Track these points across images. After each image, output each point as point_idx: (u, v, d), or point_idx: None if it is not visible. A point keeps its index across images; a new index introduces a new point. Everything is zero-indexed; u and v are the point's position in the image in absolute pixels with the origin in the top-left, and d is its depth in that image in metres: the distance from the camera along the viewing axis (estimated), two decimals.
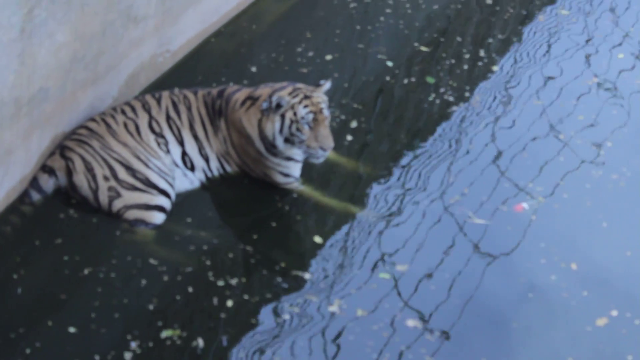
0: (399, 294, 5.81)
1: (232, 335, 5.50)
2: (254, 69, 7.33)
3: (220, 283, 5.74)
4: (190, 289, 5.70)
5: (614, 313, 5.87)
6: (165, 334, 5.43)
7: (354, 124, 7.00)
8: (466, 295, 5.87)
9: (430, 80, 7.57)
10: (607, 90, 7.73)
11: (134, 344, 5.34)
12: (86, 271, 5.68)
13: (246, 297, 5.68)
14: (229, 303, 5.64)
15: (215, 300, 5.64)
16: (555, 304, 5.90)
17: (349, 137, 6.88)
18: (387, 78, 7.54)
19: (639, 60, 8.15)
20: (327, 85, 6.29)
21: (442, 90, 7.46)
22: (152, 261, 5.81)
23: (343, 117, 7.02)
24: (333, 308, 5.68)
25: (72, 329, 5.36)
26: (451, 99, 7.40)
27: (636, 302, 5.97)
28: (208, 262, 5.85)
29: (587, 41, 8.32)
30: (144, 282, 5.69)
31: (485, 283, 5.96)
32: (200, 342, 5.42)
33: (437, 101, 7.36)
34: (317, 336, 5.54)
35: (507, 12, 8.52)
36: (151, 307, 5.56)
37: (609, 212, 6.56)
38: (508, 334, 5.71)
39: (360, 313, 5.68)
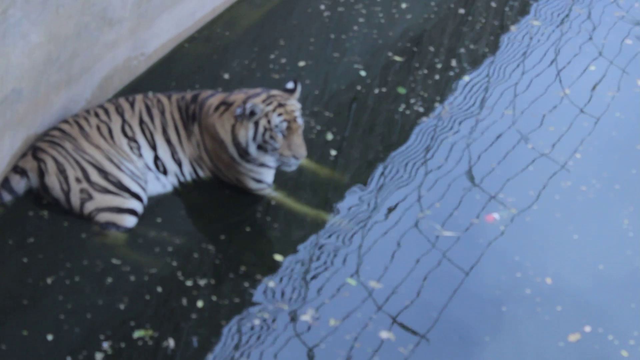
0: (373, 304, 5.82)
1: (202, 336, 5.49)
2: (226, 76, 7.31)
3: (190, 283, 5.74)
4: (160, 290, 5.69)
5: (587, 329, 5.88)
6: (137, 334, 5.42)
7: (325, 132, 7.00)
8: (440, 307, 5.87)
9: (402, 90, 7.58)
10: (577, 102, 7.79)
11: (106, 344, 5.33)
12: (56, 273, 5.65)
13: (214, 298, 5.67)
14: (200, 304, 5.63)
15: (185, 301, 5.63)
16: (529, 319, 5.91)
17: (322, 146, 6.88)
18: (359, 87, 7.55)
19: (610, 72, 8.21)
20: (298, 89, 6.29)
21: (412, 100, 7.47)
22: (123, 263, 5.79)
23: (319, 127, 7.02)
24: (305, 317, 5.68)
25: (43, 330, 5.34)
26: (421, 109, 7.41)
27: (608, 317, 5.99)
28: (178, 264, 5.85)
29: (559, 52, 8.37)
30: (114, 283, 5.68)
31: (459, 296, 5.96)
32: (172, 342, 5.42)
33: (408, 112, 7.37)
34: (289, 344, 5.54)
35: (480, 22, 8.55)
36: (123, 308, 5.55)
37: (579, 224, 6.58)
38: (480, 348, 5.72)
39: (333, 323, 5.68)
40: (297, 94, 6.30)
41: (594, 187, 6.92)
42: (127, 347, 5.35)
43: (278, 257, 6.05)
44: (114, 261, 5.80)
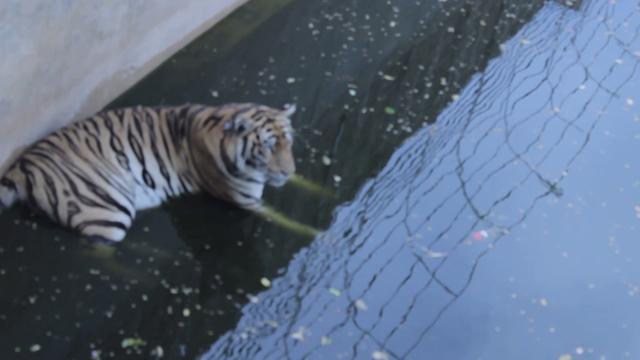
0: (364, 324, 5.81)
1: (190, 345, 5.50)
2: (215, 94, 7.30)
3: (174, 291, 5.74)
4: (146, 299, 5.68)
5: (579, 350, 5.87)
6: (126, 343, 5.42)
7: (313, 150, 6.99)
8: (433, 328, 5.86)
9: (390, 110, 7.58)
10: (567, 120, 7.81)
11: (95, 354, 5.32)
12: (43, 285, 5.63)
13: (199, 307, 5.68)
14: (186, 313, 5.64)
15: (170, 310, 5.64)
16: (520, 340, 5.90)
17: (311, 163, 6.88)
18: (346, 106, 7.55)
19: (600, 91, 8.24)
20: (291, 109, 6.31)
21: (400, 120, 7.48)
22: (110, 276, 5.78)
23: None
24: (297, 335, 5.67)
25: (31, 341, 5.33)
26: (409, 129, 7.41)
27: (600, 337, 5.99)
28: (163, 275, 5.84)
29: (549, 71, 8.40)
30: (103, 294, 5.67)
31: (452, 317, 5.95)
32: (160, 351, 5.41)
33: (396, 132, 7.37)
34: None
35: (470, 41, 8.58)
36: (112, 317, 5.54)
37: (567, 241, 6.59)
38: None
39: (325, 341, 5.66)
40: (289, 112, 6.31)
41: (580, 204, 6.94)
42: (116, 356, 5.34)
43: (266, 273, 6.04)
44: (101, 273, 5.78)
